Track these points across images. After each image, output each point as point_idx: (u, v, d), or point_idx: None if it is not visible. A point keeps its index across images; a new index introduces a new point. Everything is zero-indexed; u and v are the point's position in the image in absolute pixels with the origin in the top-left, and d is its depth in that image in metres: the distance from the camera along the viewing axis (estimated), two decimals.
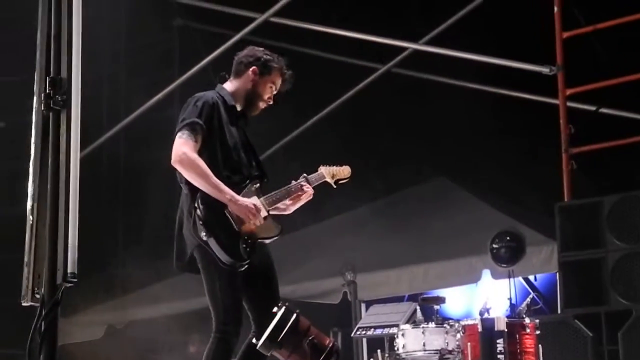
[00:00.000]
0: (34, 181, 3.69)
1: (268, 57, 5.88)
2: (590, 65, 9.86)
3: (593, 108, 10.08)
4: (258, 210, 5.53)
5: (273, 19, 11.59)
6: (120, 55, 13.56)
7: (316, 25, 11.71)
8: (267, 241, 5.67)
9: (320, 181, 5.97)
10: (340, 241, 11.57)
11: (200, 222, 5.39)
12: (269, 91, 5.86)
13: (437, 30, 11.78)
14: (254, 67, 5.84)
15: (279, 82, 5.87)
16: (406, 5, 12.17)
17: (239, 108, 5.81)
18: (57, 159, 3.66)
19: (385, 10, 11.97)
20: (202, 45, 12.68)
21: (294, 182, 5.87)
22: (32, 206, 3.69)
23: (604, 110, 10.19)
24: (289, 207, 5.88)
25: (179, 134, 5.51)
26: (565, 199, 9.22)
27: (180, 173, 5.52)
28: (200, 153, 5.48)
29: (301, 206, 5.95)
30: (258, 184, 5.71)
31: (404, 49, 12.09)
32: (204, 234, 5.36)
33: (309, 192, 5.85)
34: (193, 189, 5.47)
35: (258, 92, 5.84)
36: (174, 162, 5.48)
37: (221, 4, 12.36)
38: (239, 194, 5.52)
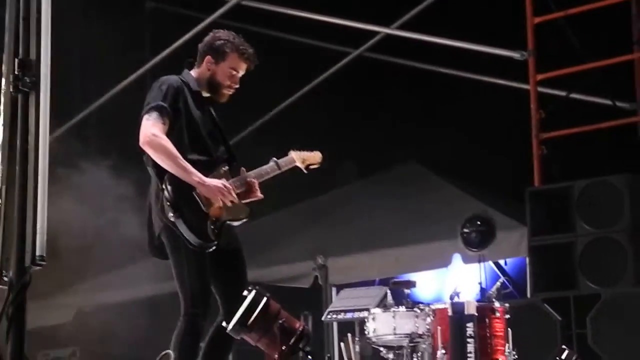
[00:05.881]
0: (2, 163, 3.65)
1: (221, 42, 5.76)
2: (561, 51, 9.89)
3: (563, 93, 10.12)
4: (228, 189, 5.52)
5: (245, 2, 11.54)
6: (91, 37, 13.45)
7: (288, 8, 11.68)
8: (236, 223, 5.65)
9: (291, 165, 5.93)
10: (311, 225, 11.58)
11: (168, 203, 5.37)
12: (229, 77, 5.76)
13: (409, 14, 11.77)
14: (208, 57, 5.79)
15: (240, 65, 5.77)
16: None
17: (204, 94, 5.77)
18: (26, 141, 3.62)
19: None
20: (174, 28, 12.62)
21: (263, 166, 5.85)
22: (1, 189, 3.66)
23: (574, 95, 10.24)
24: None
25: (146, 116, 5.48)
26: (536, 184, 9.27)
27: (147, 155, 5.49)
28: (167, 136, 5.45)
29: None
30: (227, 167, 5.70)
31: (376, 33, 12.09)
32: (172, 214, 5.34)
33: (257, 194, 5.77)
34: (160, 171, 5.44)
35: (217, 80, 5.76)
36: (142, 144, 5.45)
37: None
38: (207, 176, 5.51)
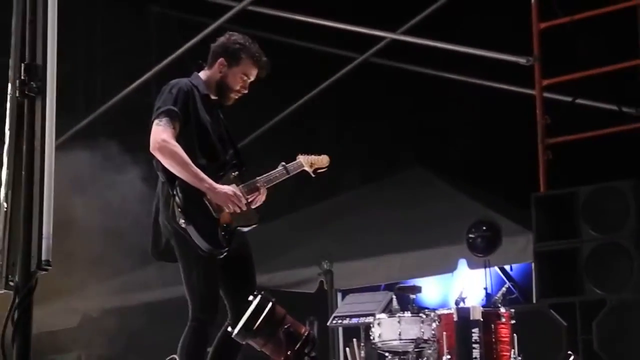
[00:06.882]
0: (8, 168, 3.66)
1: (238, 46, 5.77)
2: (566, 57, 9.88)
3: (569, 99, 10.11)
4: (238, 197, 5.52)
5: (251, 8, 11.55)
6: (96, 42, 13.47)
7: (294, 14, 11.68)
8: (246, 229, 5.66)
9: (299, 170, 5.95)
10: (317, 230, 11.58)
11: (179, 210, 5.37)
12: (240, 82, 5.78)
13: (415, 20, 11.78)
14: (221, 59, 5.79)
15: (252, 71, 5.79)
16: None
17: (212, 97, 5.78)
18: (32, 146, 3.62)
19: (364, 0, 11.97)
20: (179, 33, 12.63)
21: (272, 171, 5.86)
22: (7, 193, 3.66)
23: (580, 101, 10.22)
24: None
25: (156, 121, 5.48)
26: (541, 190, 9.25)
27: (157, 160, 5.49)
28: (177, 141, 5.45)
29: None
30: (237, 172, 5.70)
31: (381, 38, 12.09)
32: (183, 221, 5.35)
33: (261, 198, 5.79)
34: (170, 177, 5.44)
35: (227, 83, 5.77)
36: (153, 150, 5.45)
37: None
38: (217, 182, 5.51)
